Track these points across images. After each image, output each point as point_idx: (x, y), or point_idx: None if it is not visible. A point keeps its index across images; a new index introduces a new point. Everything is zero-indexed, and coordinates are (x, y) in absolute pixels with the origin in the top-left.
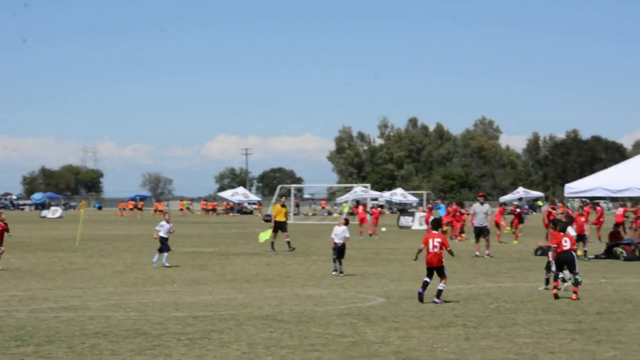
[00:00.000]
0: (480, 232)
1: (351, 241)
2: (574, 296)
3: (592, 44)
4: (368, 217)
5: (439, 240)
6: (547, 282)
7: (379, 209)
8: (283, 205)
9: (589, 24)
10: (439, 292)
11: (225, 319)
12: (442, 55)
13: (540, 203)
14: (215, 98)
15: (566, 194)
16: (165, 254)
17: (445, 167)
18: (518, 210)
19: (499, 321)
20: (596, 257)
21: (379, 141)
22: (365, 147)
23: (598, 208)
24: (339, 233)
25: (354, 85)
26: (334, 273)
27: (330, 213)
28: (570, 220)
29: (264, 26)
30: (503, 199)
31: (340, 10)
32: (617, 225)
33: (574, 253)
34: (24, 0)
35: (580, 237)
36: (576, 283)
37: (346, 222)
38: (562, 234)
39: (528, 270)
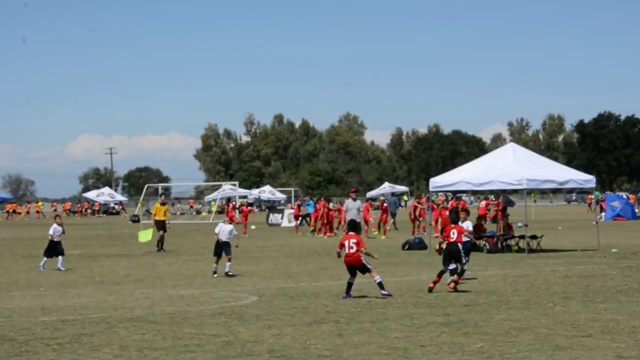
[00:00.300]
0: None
1: None
2: (451, 284)
3: (448, 37)
4: (237, 215)
5: (354, 241)
6: (452, 273)
7: (249, 207)
8: (163, 204)
9: (444, 18)
10: (380, 284)
11: (96, 322)
12: (304, 51)
13: (405, 197)
14: (76, 96)
15: (431, 189)
16: (60, 258)
17: (312, 164)
18: (385, 204)
19: (371, 316)
20: None
21: (245, 138)
22: (232, 145)
23: (461, 201)
24: (225, 230)
25: (221, 82)
26: (215, 275)
27: (198, 212)
28: (466, 213)
29: (124, 24)
30: (370, 194)
31: (210, 9)
32: (480, 218)
33: (459, 245)
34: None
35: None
36: (455, 272)
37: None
38: (452, 225)
39: (397, 265)
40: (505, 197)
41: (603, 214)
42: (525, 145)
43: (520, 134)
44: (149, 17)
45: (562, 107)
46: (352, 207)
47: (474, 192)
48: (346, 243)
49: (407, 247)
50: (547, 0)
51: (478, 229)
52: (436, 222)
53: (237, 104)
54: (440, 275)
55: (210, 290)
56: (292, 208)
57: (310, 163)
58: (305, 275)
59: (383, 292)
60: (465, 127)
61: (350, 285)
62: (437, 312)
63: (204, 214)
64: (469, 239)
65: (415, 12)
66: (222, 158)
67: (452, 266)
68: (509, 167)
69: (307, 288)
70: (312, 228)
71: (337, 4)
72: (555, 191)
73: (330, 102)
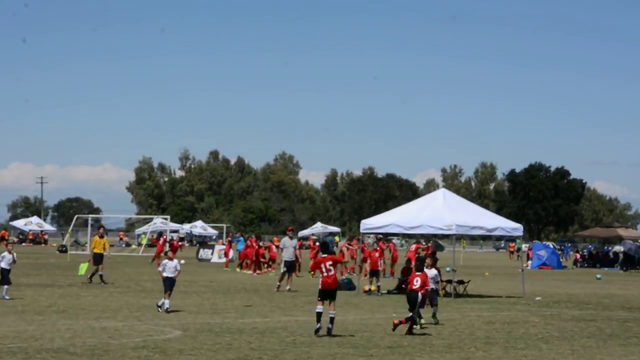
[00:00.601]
0: (291, 266)
1: (148, 273)
2: (406, 332)
3: (383, 84)
4: (166, 248)
5: (330, 263)
6: (419, 317)
7: (180, 241)
8: (101, 237)
9: (374, 70)
10: (332, 319)
11: (14, 352)
12: (241, 87)
13: (337, 238)
14: (8, 125)
15: (362, 230)
16: (6, 287)
17: (246, 201)
18: (317, 244)
19: (295, 355)
20: (389, 292)
21: (179, 173)
22: (166, 179)
23: (390, 244)
24: (171, 266)
25: (156, 116)
26: (159, 310)
27: (128, 244)
28: (435, 260)
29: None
30: (302, 233)
31: (143, 39)
32: (409, 261)
33: (419, 293)
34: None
35: (374, 273)
36: (410, 319)
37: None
38: (416, 273)
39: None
40: (435, 242)
41: (530, 262)
42: (457, 191)
43: (453, 180)
44: (78, 46)
45: (495, 156)
46: (288, 245)
47: (404, 236)
48: (323, 266)
49: None
50: (472, 60)
51: (407, 272)
52: (364, 262)
53: (173, 138)
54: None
55: (134, 323)
56: (223, 244)
57: (243, 200)
58: (231, 311)
59: (329, 326)
60: (399, 172)
61: (319, 314)
62: (361, 352)
63: (133, 246)
64: (436, 287)
65: (346, 72)
66: (155, 192)
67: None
68: (439, 212)
69: (233, 324)
70: (239, 264)
71: (273, 41)
72: (484, 238)
73: (266, 141)
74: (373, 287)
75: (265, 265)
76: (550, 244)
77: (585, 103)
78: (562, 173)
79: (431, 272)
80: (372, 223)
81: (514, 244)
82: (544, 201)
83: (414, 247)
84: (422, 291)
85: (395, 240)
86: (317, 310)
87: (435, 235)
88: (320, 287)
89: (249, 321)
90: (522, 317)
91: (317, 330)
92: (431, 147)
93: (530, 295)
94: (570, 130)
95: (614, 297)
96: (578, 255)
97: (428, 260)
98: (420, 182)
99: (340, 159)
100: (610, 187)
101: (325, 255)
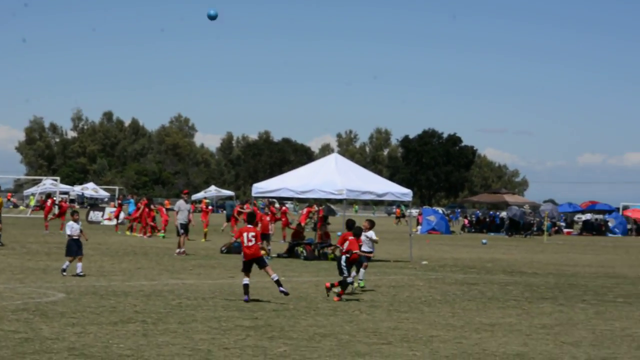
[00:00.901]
0: (186, 229)
1: (34, 235)
2: (335, 297)
3: (281, 46)
4: (56, 210)
5: (253, 234)
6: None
7: (70, 203)
8: None
9: (279, 27)
10: (277, 282)
11: None
12: (136, 46)
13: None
14: None
15: (254, 194)
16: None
17: (140, 163)
18: (210, 207)
19: (179, 317)
20: (279, 255)
21: (72, 134)
22: (57, 140)
23: (283, 208)
24: (76, 228)
25: (49, 74)
26: (64, 274)
27: (16, 205)
28: (372, 224)
29: None
30: (195, 196)
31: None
32: (300, 225)
33: (345, 257)
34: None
35: (265, 236)
36: (341, 283)
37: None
38: (349, 237)
39: (213, 268)
40: (327, 206)
41: (419, 227)
42: (352, 157)
43: (348, 146)
44: None
45: (390, 122)
46: (184, 208)
47: (299, 200)
48: (244, 236)
49: (225, 250)
50: (366, 27)
51: (297, 236)
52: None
53: (65, 99)
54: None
55: (16, 285)
56: (115, 206)
57: (137, 162)
58: (118, 274)
59: (281, 289)
60: (295, 136)
61: (247, 286)
62: (246, 315)
63: (21, 208)
64: (370, 251)
65: (247, 22)
66: (45, 152)
67: (353, 274)
68: (331, 177)
69: (119, 287)
70: (129, 227)
71: (170, 6)
72: (377, 203)
73: (162, 103)
74: (264, 251)
75: (157, 230)
76: (440, 210)
77: (476, 72)
78: (454, 140)
79: (370, 234)
80: (263, 187)
81: (399, 210)
82: (436, 167)
83: (305, 211)
84: (350, 255)
85: (288, 205)
86: (243, 283)
87: (328, 200)
88: (242, 259)
89: (135, 284)
90: (408, 281)
91: (246, 301)
92: (327, 112)
93: (417, 259)
94: (462, 98)
95: (497, 261)
96: (466, 221)
97: (365, 224)
98: (315, 147)
99: (236, 123)
100: (500, 154)
101: (250, 225)
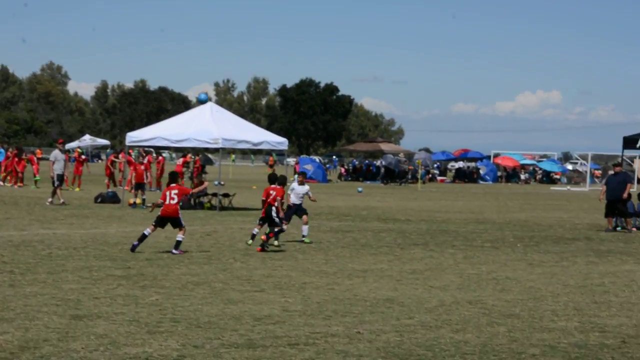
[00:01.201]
0: (61, 180)
1: None
2: (258, 248)
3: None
4: None
5: (176, 192)
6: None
7: None
8: None
9: None
10: (178, 243)
11: None
12: None
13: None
14: None
15: (128, 143)
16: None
17: (10, 111)
18: (83, 157)
19: (49, 268)
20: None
21: None
22: None
23: (160, 158)
24: None
25: None
26: None
27: None
28: (304, 176)
29: None
30: (69, 145)
31: None
32: (173, 173)
33: (273, 207)
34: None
35: (139, 186)
36: (277, 232)
37: None
38: (271, 186)
39: (85, 218)
40: (204, 156)
41: (296, 175)
42: (230, 106)
43: (226, 95)
44: None
45: (267, 71)
46: (60, 158)
47: (176, 149)
48: (167, 194)
49: (99, 200)
50: None
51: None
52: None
53: None
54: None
55: None
56: None
57: (7, 111)
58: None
59: (175, 251)
60: (172, 85)
61: (144, 236)
62: (119, 265)
63: None
64: (299, 202)
65: None
66: None
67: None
68: (206, 126)
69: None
70: (4, 177)
71: None
72: (255, 152)
73: (33, 50)
74: (138, 200)
75: (22, 181)
76: (317, 159)
77: (352, 22)
78: (332, 89)
79: (303, 189)
80: (138, 136)
81: (272, 158)
82: (313, 116)
83: (181, 160)
84: (275, 205)
85: (165, 154)
86: (144, 232)
87: (207, 150)
88: (159, 213)
89: (4, 234)
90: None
91: (133, 248)
92: (205, 61)
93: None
94: (339, 48)
95: (372, 209)
96: (343, 170)
97: (300, 177)
98: (193, 96)
99: (111, 71)
100: (377, 104)
101: (173, 184)
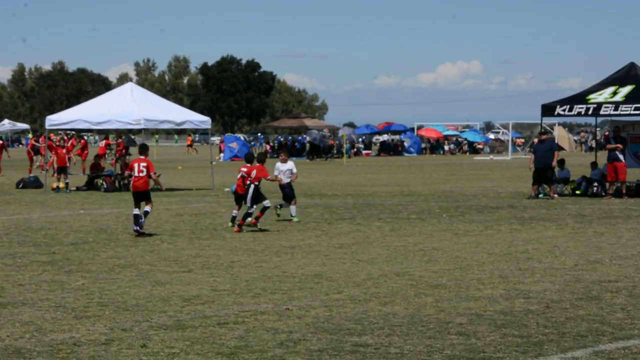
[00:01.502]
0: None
1: None
2: (252, 220)
3: None
4: None
5: (144, 165)
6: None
7: None
8: None
9: None
10: (145, 213)
11: None
12: None
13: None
14: None
15: (47, 126)
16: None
17: None
18: (1, 142)
19: None
20: (78, 188)
21: None
22: None
23: (82, 140)
24: None
25: None
26: None
27: None
28: (286, 154)
29: None
30: None
31: None
32: (98, 156)
33: (252, 185)
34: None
35: (62, 170)
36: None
37: None
38: (248, 165)
39: (8, 204)
40: (127, 137)
41: (222, 154)
42: (151, 86)
43: (146, 75)
44: None
45: (188, 50)
46: None
47: (99, 132)
48: (135, 166)
49: (21, 185)
50: None
51: (96, 168)
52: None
53: None
54: (263, 211)
55: None
56: None
57: None
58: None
59: (136, 227)
60: (91, 66)
61: (137, 217)
62: (43, 250)
63: None
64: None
65: None
66: None
67: (266, 202)
68: (128, 106)
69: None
70: None
71: None
72: (179, 132)
73: None
74: (61, 184)
75: None
76: (242, 137)
77: None
78: (253, 66)
79: (286, 166)
80: (58, 119)
81: (191, 137)
82: (236, 94)
83: (103, 143)
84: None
85: (88, 137)
86: (134, 213)
87: (130, 131)
88: (131, 190)
89: None
90: (210, 209)
91: (136, 231)
92: (124, 41)
93: (219, 187)
94: (259, 24)
95: (298, 185)
96: (268, 146)
97: (282, 156)
98: (113, 77)
99: (28, 53)
100: (299, 79)
101: (141, 157)
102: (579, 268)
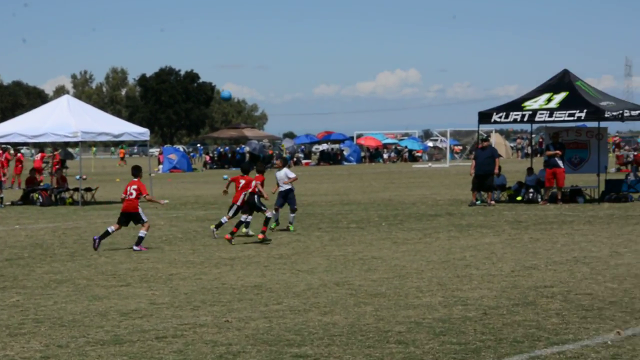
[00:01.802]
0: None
1: None
2: (259, 235)
3: None
4: None
5: (135, 187)
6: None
7: None
8: None
9: None
10: (140, 239)
11: None
12: None
13: None
14: None
15: None
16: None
17: None
18: None
19: None
20: (13, 203)
21: None
22: None
23: (19, 155)
24: None
25: None
26: None
27: None
28: (284, 162)
29: None
30: None
31: None
32: (33, 170)
33: (255, 196)
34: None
35: None
36: (245, 224)
37: None
38: (243, 175)
39: None
40: (64, 150)
41: (161, 166)
42: (89, 98)
43: (84, 87)
44: None
45: (126, 61)
46: None
47: (35, 145)
48: (127, 189)
49: None
50: None
51: (31, 182)
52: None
53: None
54: (238, 226)
55: None
56: None
57: None
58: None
59: (135, 247)
60: (26, 79)
61: (107, 234)
62: None
63: None
64: (290, 187)
65: None
66: None
67: (244, 217)
68: (64, 119)
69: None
70: None
71: None
72: (117, 144)
73: None
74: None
75: None
76: (181, 148)
77: (211, 7)
78: (192, 77)
79: (281, 173)
80: None
81: (123, 150)
82: (175, 105)
83: (39, 156)
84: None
85: (24, 150)
86: (107, 229)
87: (67, 144)
88: (121, 210)
89: None
90: (149, 221)
91: (94, 244)
92: (60, 53)
93: (158, 199)
94: (198, 34)
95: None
96: (208, 157)
97: (278, 162)
98: (50, 90)
99: None
100: (239, 89)
101: (135, 179)
102: (516, 274)
